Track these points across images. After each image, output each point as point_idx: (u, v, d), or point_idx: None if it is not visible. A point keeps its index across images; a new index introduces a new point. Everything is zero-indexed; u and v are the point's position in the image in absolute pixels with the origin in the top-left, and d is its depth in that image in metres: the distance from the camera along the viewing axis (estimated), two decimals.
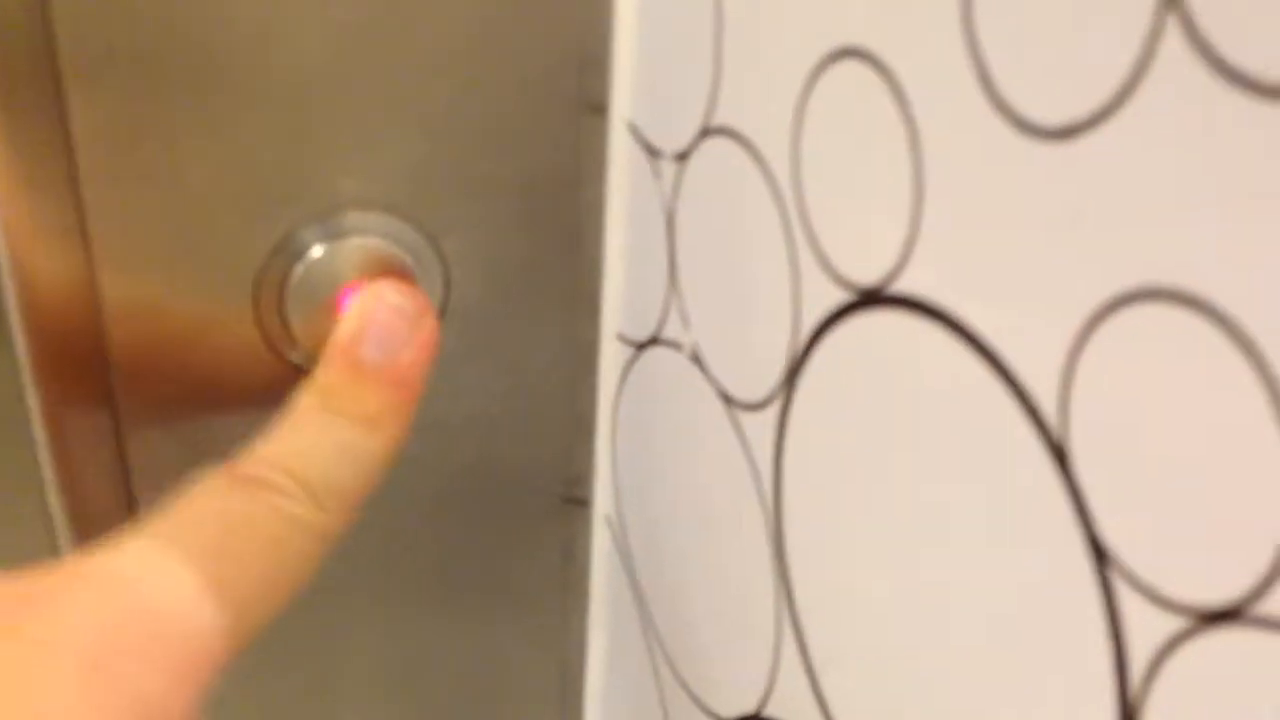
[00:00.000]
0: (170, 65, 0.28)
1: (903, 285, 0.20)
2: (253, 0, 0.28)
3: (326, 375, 0.27)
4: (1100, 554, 0.17)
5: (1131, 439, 0.16)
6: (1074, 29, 0.16)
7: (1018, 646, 0.18)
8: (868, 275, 0.21)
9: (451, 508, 0.35)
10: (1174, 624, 0.15)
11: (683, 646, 0.31)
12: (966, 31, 0.18)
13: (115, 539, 0.23)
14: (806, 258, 0.23)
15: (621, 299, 0.33)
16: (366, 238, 0.30)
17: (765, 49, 0.24)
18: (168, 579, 0.23)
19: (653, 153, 0.30)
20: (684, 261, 0.29)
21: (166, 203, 0.29)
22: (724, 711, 0.29)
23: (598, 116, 0.31)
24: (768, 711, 0.27)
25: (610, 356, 0.34)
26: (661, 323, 0.30)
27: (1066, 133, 0.16)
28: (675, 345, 0.30)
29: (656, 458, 0.32)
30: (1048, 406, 0.17)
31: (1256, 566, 0.14)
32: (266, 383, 0.31)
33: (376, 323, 0.28)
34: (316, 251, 0.30)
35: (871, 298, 0.21)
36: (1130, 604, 0.16)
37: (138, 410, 0.31)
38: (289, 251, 0.30)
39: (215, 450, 0.33)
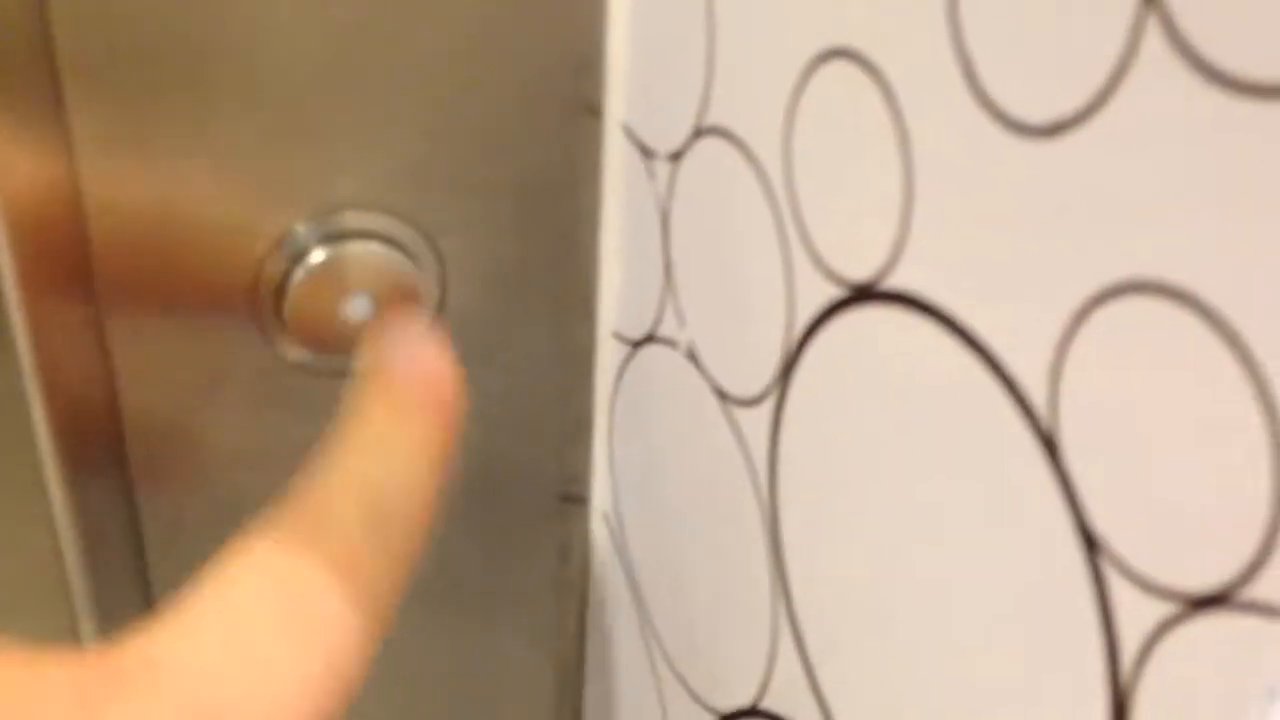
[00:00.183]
0: (170, 65, 0.28)
1: (894, 281, 0.20)
2: (251, 1, 0.28)
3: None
4: (1091, 542, 0.17)
5: (1120, 430, 0.16)
6: (1057, 28, 0.16)
7: (1011, 634, 0.19)
8: (860, 271, 0.21)
9: (448, 505, 0.35)
10: (1163, 610, 0.16)
11: (680, 642, 0.31)
12: (953, 32, 0.18)
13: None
14: (799, 255, 0.23)
15: (617, 297, 0.33)
16: (364, 237, 0.30)
17: (756, 50, 0.24)
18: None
19: (647, 153, 0.30)
20: (679, 260, 0.29)
21: (166, 202, 0.29)
22: (722, 707, 0.29)
23: (593, 118, 0.31)
24: (765, 705, 0.27)
25: (606, 354, 0.34)
26: (657, 321, 0.30)
27: (1052, 130, 0.16)
28: (671, 343, 0.30)
29: (653, 455, 0.32)
30: (1038, 399, 0.17)
31: (1242, 552, 0.14)
32: (264, 380, 0.32)
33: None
34: (316, 252, 0.30)
35: (864, 294, 0.21)
36: (1120, 591, 0.16)
37: (140, 413, 0.31)
38: (288, 251, 0.30)
39: (215, 449, 0.33)
